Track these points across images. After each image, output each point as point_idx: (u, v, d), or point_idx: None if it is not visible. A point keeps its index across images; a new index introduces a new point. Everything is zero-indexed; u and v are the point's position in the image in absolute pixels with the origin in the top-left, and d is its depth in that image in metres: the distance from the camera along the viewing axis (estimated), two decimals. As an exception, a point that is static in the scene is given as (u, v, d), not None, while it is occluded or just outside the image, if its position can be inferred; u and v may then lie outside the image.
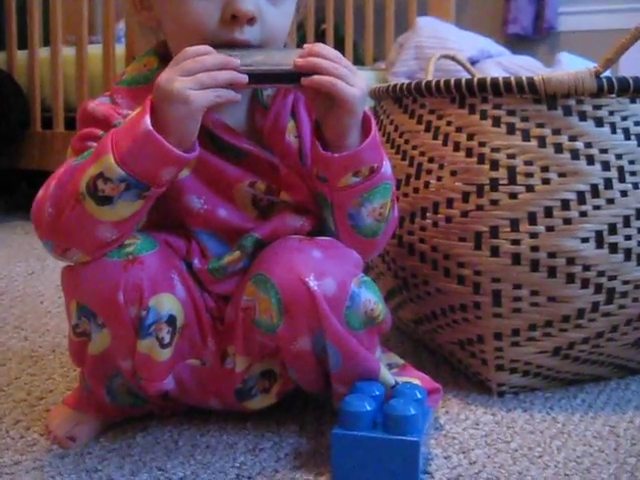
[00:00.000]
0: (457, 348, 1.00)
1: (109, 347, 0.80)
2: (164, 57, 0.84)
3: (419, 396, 0.79)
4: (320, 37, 3.01)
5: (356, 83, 0.76)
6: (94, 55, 2.24)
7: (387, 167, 0.82)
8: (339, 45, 2.98)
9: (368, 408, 0.75)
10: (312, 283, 0.76)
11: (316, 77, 0.74)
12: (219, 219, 0.84)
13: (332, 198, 0.82)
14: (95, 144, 0.77)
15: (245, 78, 0.73)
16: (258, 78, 0.75)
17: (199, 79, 0.71)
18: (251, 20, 0.77)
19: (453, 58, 1.39)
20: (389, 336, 1.14)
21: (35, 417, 0.89)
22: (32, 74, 2.37)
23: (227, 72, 0.72)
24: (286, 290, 0.77)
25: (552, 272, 0.89)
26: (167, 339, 0.80)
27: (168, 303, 0.79)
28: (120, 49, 2.20)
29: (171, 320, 0.80)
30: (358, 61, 3.05)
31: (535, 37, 3.22)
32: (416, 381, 0.85)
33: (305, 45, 0.77)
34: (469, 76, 1.39)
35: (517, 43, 3.16)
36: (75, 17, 2.26)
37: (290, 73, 0.75)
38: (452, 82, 0.96)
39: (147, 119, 0.71)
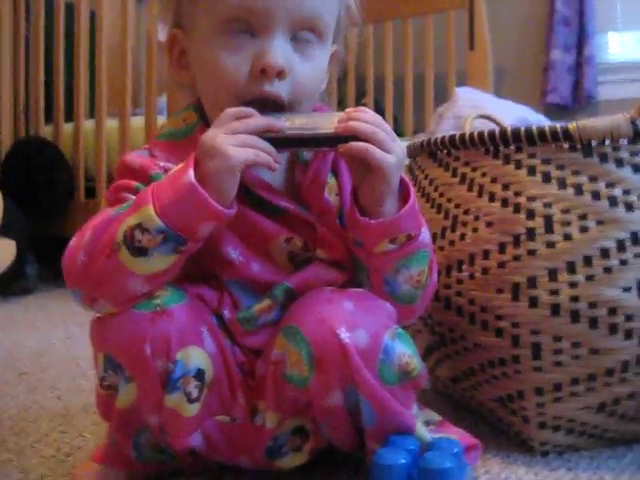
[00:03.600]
0: (497, 405, 0.96)
1: (136, 401, 0.78)
2: (202, 112, 0.86)
3: (456, 450, 0.75)
4: (360, 110, 3.05)
5: (393, 150, 0.76)
6: (137, 126, 2.31)
7: (425, 234, 0.81)
8: (379, 118, 3.02)
9: (403, 461, 0.72)
10: (344, 335, 0.74)
11: (351, 143, 0.75)
12: (252, 273, 0.84)
13: (368, 263, 0.82)
14: (130, 195, 0.78)
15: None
16: (298, 142, 0.76)
17: (241, 138, 0.73)
18: (281, 73, 0.78)
19: (489, 118, 1.39)
20: (428, 398, 1.10)
21: (62, 473, 0.87)
22: (77, 145, 2.43)
23: (268, 146, 0.74)
24: (317, 342, 0.75)
25: (593, 323, 0.86)
26: (195, 394, 0.78)
27: (196, 357, 0.78)
28: (162, 121, 2.25)
29: (199, 374, 0.78)
30: (398, 134, 3.07)
31: (574, 106, 3.22)
32: (453, 436, 0.82)
33: (347, 109, 0.77)
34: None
35: (556, 112, 3.16)
36: (120, 91, 2.33)
37: (329, 137, 0.76)
38: (486, 133, 0.95)
39: (191, 172, 0.72)
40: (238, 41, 0.78)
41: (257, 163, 0.74)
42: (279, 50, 0.78)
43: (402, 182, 0.80)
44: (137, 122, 2.32)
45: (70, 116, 2.49)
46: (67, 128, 2.51)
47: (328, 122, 0.76)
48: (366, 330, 0.75)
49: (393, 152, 0.76)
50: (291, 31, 0.79)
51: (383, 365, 0.75)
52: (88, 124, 2.46)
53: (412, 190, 0.80)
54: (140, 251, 0.73)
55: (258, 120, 0.75)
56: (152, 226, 0.72)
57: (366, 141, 0.75)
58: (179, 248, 0.74)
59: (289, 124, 0.76)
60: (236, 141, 0.73)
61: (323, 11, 0.80)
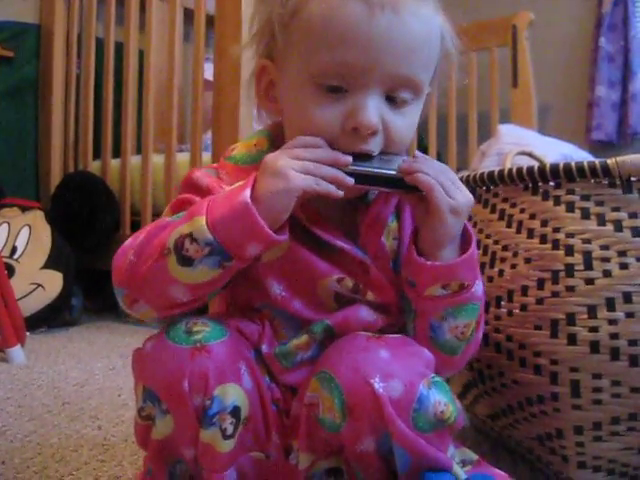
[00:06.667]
0: (536, 444, 0.95)
1: (172, 433, 0.78)
2: (274, 139, 0.85)
3: (492, 488, 0.75)
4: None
5: (455, 195, 0.76)
6: (182, 162, 2.34)
7: (479, 287, 0.80)
8: (422, 155, 3.03)
9: (437, 500, 0.71)
10: (377, 385, 0.72)
11: (418, 174, 0.74)
12: (293, 309, 0.84)
13: (416, 304, 0.81)
14: None
15: (350, 181, 0.74)
16: (362, 179, 0.75)
17: (304, 165, 0.73)
18: (374, 133, 0.76)
19: (530, 154, 1.39)
20: (466, 436, 1.09)
21: (100, 502, 0.89)
22: (124, 180, 2.48)
23: (333, 170, 0.73)
24: (350, 391, 0.73)
25: (634, 361, 0.85)
26: (230, 430, 0.77)
27: (233, 394, 0.77)
28: (207, 157, 2.28)
29: (235, 411, 0.77)
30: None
31: (620, 143, 3.19)
32: (489, 475, 0.81)
33: (416, 152, 0.77)
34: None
35: (601, 149, 3.13)
36: (166, 128, 2.37)
37: (393, 178, 0.75)
38: (525, 170, 0.95)
39: (247, 192, 0.72)
40: (330, 96, 0.76)
41: (316, 191, 0.73)
42: (373, 109, 0.75)
43: (465, 232, 0.79)
44: (182, 158, 2.36)
45: (118, 152, 2.55)
46: (114, 164, 2.57)
47: (394, 163, 0.76)
48: (401, 380, 0.73)
49: (455, 197, 0.76)
50: (387, 89, 0.76)
51: (417, 414, 0.73)
52: (135, 160, 2.50)
53: (474, 240, 0.79)
54: (186, 260, 0.73)
55: (325, 152, 0.74)
56: (201, 237, 0.72)
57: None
58: (224, 264, 0.74)
59: (355, 161, 0.74)
60: (298, 166, 0.72)
61: (420, 69, 0.78)
